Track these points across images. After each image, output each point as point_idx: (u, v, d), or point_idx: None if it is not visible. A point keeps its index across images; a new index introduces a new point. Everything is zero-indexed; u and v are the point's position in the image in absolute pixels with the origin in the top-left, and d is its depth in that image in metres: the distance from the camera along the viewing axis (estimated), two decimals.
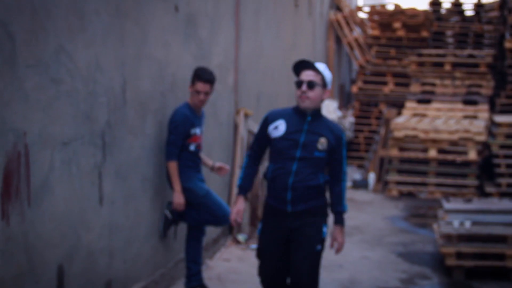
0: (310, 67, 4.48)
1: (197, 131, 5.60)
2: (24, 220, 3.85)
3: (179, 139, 5.51)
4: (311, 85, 4.41)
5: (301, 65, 4.50)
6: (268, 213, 4.59)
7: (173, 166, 5.50)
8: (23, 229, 3.85)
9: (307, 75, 4.45)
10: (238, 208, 4.60)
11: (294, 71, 4.55)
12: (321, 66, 4.49)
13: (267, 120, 4.57)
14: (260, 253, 4.59)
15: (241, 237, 7.60)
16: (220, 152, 7.35)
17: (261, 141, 4.63)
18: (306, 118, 4.47)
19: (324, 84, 4.46)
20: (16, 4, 3.74)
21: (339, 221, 4.59)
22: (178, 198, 5.51)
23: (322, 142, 4.42)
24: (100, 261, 4.77)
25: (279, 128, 4.48)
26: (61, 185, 4.23)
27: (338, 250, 4.58)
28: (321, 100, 4.50)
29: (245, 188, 4.66)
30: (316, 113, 4.51)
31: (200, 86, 5.50)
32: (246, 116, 8.07)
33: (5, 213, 3.68)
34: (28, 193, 3.88)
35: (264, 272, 4.59)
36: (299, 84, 4.46)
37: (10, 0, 3.68)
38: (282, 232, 4.49)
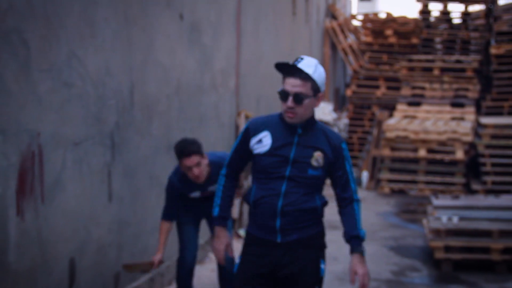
0: (296, 74, 3.28)
1: (195, 194, 4.80)
2: (38, 216, 3.85)
3: (170, 204, 4.80)
4: (298, 99, 3.26)
5: (285, 69, 3.33)
6: (250, 243, 3.45)
7: (161, 225, 4.80)
8: (37, 224, 3.85)
9: (292, 85, 3.27)
10: (226, 242, 3.58)
11: (278, 70, 3.40)
12: (310, 68, 3.28)
13: (249, 132, 3.42)
14: None
15: (242, 232, 7.59)
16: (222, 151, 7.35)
17: (240, 158, 3.52)
18: (295, 130, 3.36)
19: (316, 90, 3.30)
20: (30, 13, 3.74)
21: (357, 248, 3.40)
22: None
23: (317, 157, 3.34)
24: (109, 254, 4.77)
25: (263, 141, 3.36)
26: (73, 183, 4.23)
27: (362, 286, 3.35)
28: (314, 109, 3.40)
29: (225, 217, 3.56)
30: (308, 123, 3.38)
31: (187, 161, 4.49)
32: (247, 117, 8.06)
33: (20, 209, 3.68)
34: (41, 190, 3.88)
35: None
36: (283, 96, 3.29)
37: (25, 9, 3.68)
38: (268, 268, 3.36)
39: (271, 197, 3.33)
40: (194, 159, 4.50)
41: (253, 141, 3.40)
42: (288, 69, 3.31)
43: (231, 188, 3.58)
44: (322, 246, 3.46)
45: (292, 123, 3.34)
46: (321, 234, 3.47)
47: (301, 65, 3.28)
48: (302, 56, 3.33)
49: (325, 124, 3.58)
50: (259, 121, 3.46)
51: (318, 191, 3.41)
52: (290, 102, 3.28)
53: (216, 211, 3.54)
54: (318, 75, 3.30)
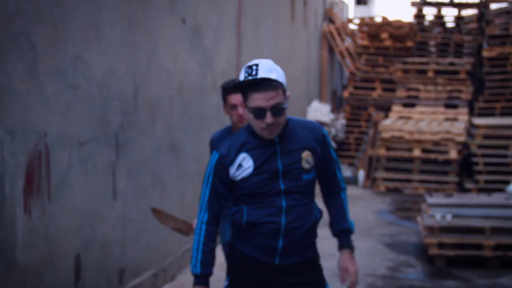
0: (264, 86, 2.72)
1: None
2: (45, 213, 3.85)
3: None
4: (278, 112, 2.73)
5: (249, 86, 2.75)
6: (240, 264, 2.91)
7: None
8: (44, 222, 3.85)
9: (266, 99, 2.71)
10: None
11: (238, 90, 2.97)
12: (272, 72, 2.74)
13: (223, 162, 2.83)
14: None
15: None
16: None
17: (220, 196, 2.87)
18: (273, 140, 2.84)
19: (284, 92, 2.78)
20: (38, 17, 3.74)
21: (346, 243, 3.01)
22: None
23: (307, 158, 2.86)
24: (114, 251, 4.77)
25: (244, 165, 2.82)
26: (79, 181, 4.23)
27: (353, 284, 2.99)
28: None
29: (208, 275, 2.87)
30: (282, 129, 2.85)
31: (234, 99, 3.98)
32: None
33: (27, 207, 3.68)
34: (48, 189, 3.88)
35: None
36: (259, 114, 2.73)
37: (32, 13, 3.69)
38: None
39: (272, 215, 2.80)
40: (241, 97, 3.87)
41: (232, 169, 2.83)
42: (253, 84, 2.74)
43: (213, 237, 2.88)
44: (321, 268, 3.02)
45: (274, 137, 2.82)
46: (318, 255, 3.02)
47: (263, 73, 2.72)
48: (254, 62, 2.76)
49: (293, 116, 2.98)
50: (229, 145, 2.86)
51: (313, 197, 2.95)
52: (269, 118, 2.73)
53: (197, 268, 2.83)
54: (281, 76, 2.77)
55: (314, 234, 2.95)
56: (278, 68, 2.78)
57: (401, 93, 12.94)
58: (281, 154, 2.84)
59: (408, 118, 12.24)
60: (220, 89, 4.05)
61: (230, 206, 3.02)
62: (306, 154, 2.87)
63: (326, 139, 2.95)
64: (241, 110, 3.91)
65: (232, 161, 2.83)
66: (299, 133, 2.89)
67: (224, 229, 4.17)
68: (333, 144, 13.31)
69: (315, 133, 2.92)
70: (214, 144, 3.97)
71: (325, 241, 3.34)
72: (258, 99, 2.73)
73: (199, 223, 2.87)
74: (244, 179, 2.82)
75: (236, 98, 3.93)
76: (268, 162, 2.82)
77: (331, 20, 17.24)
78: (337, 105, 17.95)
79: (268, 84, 2.73)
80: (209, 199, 2.87)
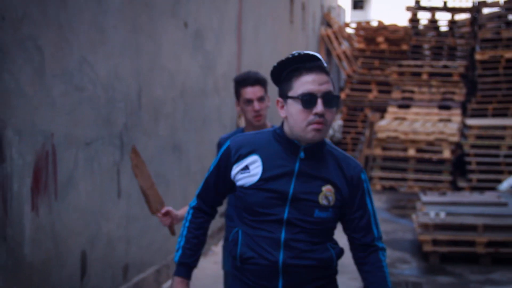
0: (319, 67, 2.20)
1: None
2: (52, 211, 3.85)
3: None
4: (331, 101, 2.18)
5: (297, 71, 2.19)
6: None
7: None
8: (51, 219, 3.85)
9: (320, 82, 2.16)
10: None
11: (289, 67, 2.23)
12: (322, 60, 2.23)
13: (230, 154, 2.29)
14: None
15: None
16: None
17: (216, 188, 2.38)
18: (297, 153, 2.23)
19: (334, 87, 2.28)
20: (44, 21, 3.73)
21: None
22: None
23: (327, 193, 2.23)
24: (118, 247, 4.76)
25: (251, 169, 2.23)
26: (84, 180, 4.22)
27: None
28: None
29: (189, 265, 2.40)
30: (316, 145, 2.25)
31: (249, 93, 3.45)
32: None
33: (34, 205, 3.68)
34: (55, 187, 3.87)
35: None
36: (308, 102, 2.15)
37: (39, 17, 3.68)
38: None
39: (266, 250, 2.21)
40: (258, 90, 3.45)
41: (236, 168, 2.26)
42: (299, 69, 2.18)
43: (201, 225, 2.41)
44: None
45: (319, 140, 2.21)
46: None
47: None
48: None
49: (337, 147, 2.36)
50: (245, 140, 2.29)
51: (329, 239, 2.31)
52: (319, 107, 2.14)
53: (177, 255, 2.39)
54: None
55: (328, 272, 2.30)
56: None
57: (396, 94, 12.94)
58: (298, 176, 2.22)
59: (403, 119, 12.23)
60: (234, 82, 3.54)
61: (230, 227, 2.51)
62: (327, 189, 2.23)
63: (362, 185, 2.29)
64: (257, 105, 3.39)
65: (239, 158, 2.26)
66: (331, 164, 2.26)
67: (225, 257, 3.68)
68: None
69: (349, 172, 2.27)
70: (222, 144, 3.41)
71: None
72: (308, 83, 2.15)
73: (188, 208, 2.46)
74: (244, 188, 2.24)
75: (252, 92, 3.39)
76: (279, 180, 2.21)
77: (328, 24, 17.23)
78: None
79: (320, 65, 2.19)
80: (203, 187, 2.42)
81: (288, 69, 2.22)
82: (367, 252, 2.33)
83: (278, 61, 2.23)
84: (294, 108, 2.18)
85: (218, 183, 2.37)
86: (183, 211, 3.27)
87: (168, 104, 5.61)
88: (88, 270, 4.30)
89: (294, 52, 2.20)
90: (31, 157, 3.64)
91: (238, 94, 3.52)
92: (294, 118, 2.19)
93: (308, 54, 2.19)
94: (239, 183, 2.27)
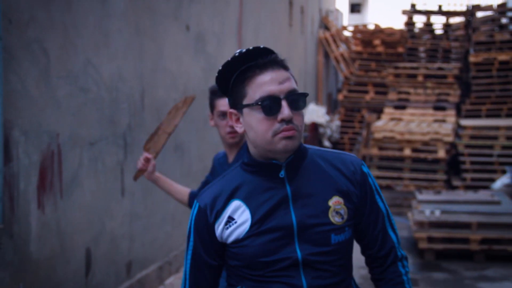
0: (277, 63, 1.71)
1: None
2: (57, 209, 3.85)
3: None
4: (297, 102, 1.71)
5: (247, 71, 1.71)
6: None
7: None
8: (56, 217, 3.85)
9: (279, 80, 1.69)
10: None
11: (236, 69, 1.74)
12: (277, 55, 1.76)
13: (205, 216, 1.77)
14: None
15: None
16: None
17: (204, 265, 1.81)
18: (277, 175, 1.75)
19: (296, 82, 1.78)
20: (50, 24, 3.74)
21: None
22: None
23: (337, 207, 1.76)
24: (122, 244, 4.77)
25: (236, 218, 1.75)
26: (89, 179, 4.23)
27: None
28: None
29: None
30: (298, 155, 1.77)
31: (223, 105, 2.91)
32: None
33: (40, 203, 3.68)
34: (60, 186, 3.88)
35: None
36: (270, 107, 1.68)
37: (45, 20, 3.68)
38: None
39: None
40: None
41: (219, 226, 1.76)
42: (251, 67, 1.70)
43: None
44: None
45: (293, 148, 1.71)
46: None
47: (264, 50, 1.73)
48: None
49: (314, 146, 1.89)
50: (215, 190, 1.78)
51: (350, 272, 1.87)
52: (286, 110, 1.67)
53: None
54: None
55: None
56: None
57: (392, 96, 12.95)
58: (294, 200, 1.74)
59: (399, 119, 12.24)
60: (208, 93, 3.01)
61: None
62: (335, 202, 1.76)
63: (367, 179, 1.84)
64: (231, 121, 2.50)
65: (218, 214, 1.76)
66: (324, 168, 1.79)
67: None
68: (327, 144, 13.33)
69: (348, 168, 1.81)
70: (215, 166, 3.08)
71: None
72: (266, 83, 1.67)
73: None
74: (237, 242, 1.74)
75: (227, 104, 2.29)
76: (276, 213, 1.73)
77: (326, 27, 17.24)
78: (332, 107, 17.94)
79: (275, 59, 1.71)
80: (190, 272, 1.82)
81: (237, 72, 1.72)
82: (385, 266, 1.88)
83: (223, 64, 1.74)
84: (253, 118, 1.70)
85: (204, 257, 1.79)
86: (169, 183, 3.11)
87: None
88: (93, 267, 4.30)
89: (240, 49, 1.73)
90: (37, 156, 3.64)
91: (212, 106, 2.92)
92: (255, 131, 1.71)
93: (258, 48, 1.70)
94: (230, 239, 1.75)
